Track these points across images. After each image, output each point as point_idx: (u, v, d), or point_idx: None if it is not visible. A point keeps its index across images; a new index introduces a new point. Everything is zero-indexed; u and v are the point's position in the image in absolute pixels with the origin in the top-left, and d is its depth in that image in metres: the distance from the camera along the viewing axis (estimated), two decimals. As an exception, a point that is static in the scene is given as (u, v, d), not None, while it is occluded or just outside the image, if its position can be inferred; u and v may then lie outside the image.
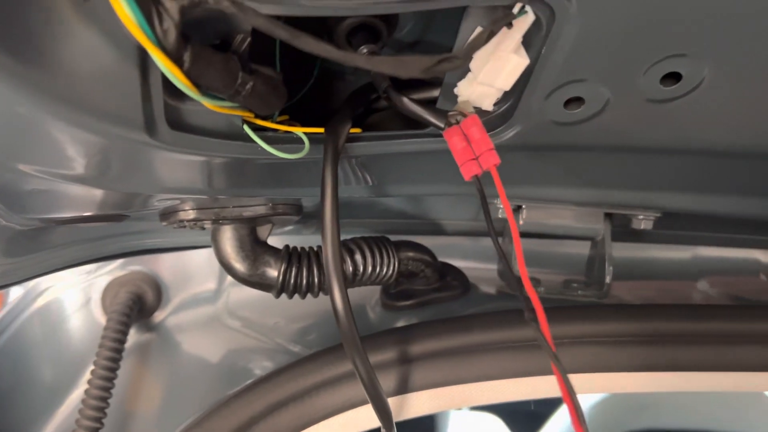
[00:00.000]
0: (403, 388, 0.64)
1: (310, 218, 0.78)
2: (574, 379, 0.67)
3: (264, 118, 0.47)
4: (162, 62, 0.33)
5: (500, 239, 0.76)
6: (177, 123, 0.40)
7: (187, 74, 0.35)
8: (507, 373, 0.64)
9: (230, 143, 0.44)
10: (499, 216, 0.73)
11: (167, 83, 0.37)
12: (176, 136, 0.40)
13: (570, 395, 0.44)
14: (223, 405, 0.62)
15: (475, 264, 0.83)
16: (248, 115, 0.45)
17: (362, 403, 0.63)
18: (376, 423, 0.67)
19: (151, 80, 0.37)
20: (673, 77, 0.48)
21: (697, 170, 0.65)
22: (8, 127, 0.36)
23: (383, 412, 0.56)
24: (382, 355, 0.64)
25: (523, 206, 0.72)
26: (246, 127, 0.44)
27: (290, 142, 0.48)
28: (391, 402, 0.65)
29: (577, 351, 0.67)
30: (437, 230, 0.83)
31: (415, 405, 0.65)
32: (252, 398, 0.62)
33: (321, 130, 0.49)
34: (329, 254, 0.50)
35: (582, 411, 0.45)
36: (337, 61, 0.34)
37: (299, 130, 0.48)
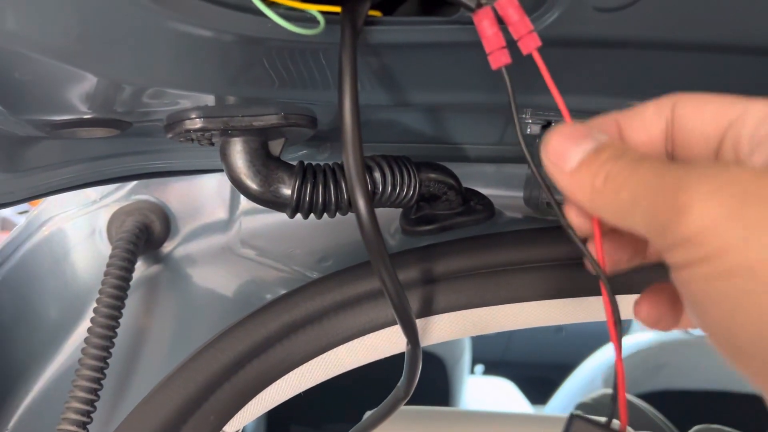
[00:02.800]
0: (426, 310, 0.60)
1: (323, 141, 0.74)
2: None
3: (274, -7, 0.42)
4: None
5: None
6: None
7: None
8: (538, 294, 0.60)
9: (235, 14, 0.39)
10: (528, 132, 0.68)
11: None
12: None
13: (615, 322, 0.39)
14: (236, 325, 0.58)
15: (500, 191, 0.78)
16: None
17: (384, 325, 0.59)
18: (398, 348, 0.63)
19: None
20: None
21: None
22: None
23: (409, 326, 0.52)
24: (403, 274, 0.60)
25: (553, 123, 0.67)
26: (254, -2, 0.40)
27: (304, 21, 0.43)
28: (414, 325, 0.61)
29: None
30: (459, 155, 0.78)
31: (438, 329, 0.61)
32: (267, 319, 0.58)
33: (338, 9, 0.44)
34: (350, 153, 0.46)
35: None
36: None
37: (313, 8, 0.43)
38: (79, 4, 0.35)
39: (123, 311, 0.69)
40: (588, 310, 0.61)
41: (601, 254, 0.39)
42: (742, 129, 0.33)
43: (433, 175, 0.69)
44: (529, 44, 0.42)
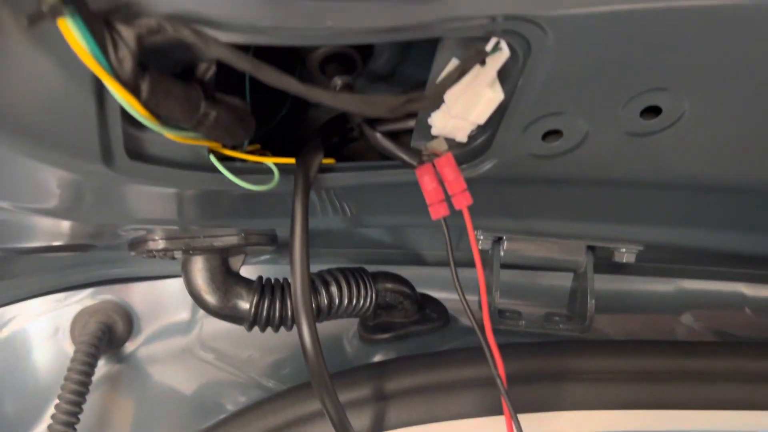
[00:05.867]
0: (377, 426, 0.62)
1: (285, 248, 0.76)
2: (558, 416, 0.66)
3: (232, 148, 0.45)
4: (117, 92, 0.32)
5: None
6: (137, 153, 0.39)
7: (145, 104, 0.33)
8: (485, 410, 0.62)
9: (195, 174, 0.42)
10: (480, 247, 0.72)
11: (125, 111, 0.35)
12: (136, 166, 0.39)
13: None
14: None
15: (456, 295, 0.81)
16: (215, 145, 0.43)
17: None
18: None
19: (107, 108, 0.35)
20: (653, 111, 0.47)
21: (679, 204, 0.64)
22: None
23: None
24: (355, 392, 0.62)
25: (504, 237, 0.71)
26: (212, 157, 0.43)
27: (260, 172, 0.46)
28: (365, 441, 0.63)
29: (560, 387, 0.65)
30: (417, 260, 0.81)
31: (389, 444, 0.62)
32: (219, 438, 0.59)
33: (292, 160, 0.47)
34: (298, 291, 0.48)
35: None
36: (301, 96, 0.33)
37: (269, 161, 0.46)
38: (54, 178, 0.38)
39: (83, 410, 0.70)
40: (537, 425, 0.63)
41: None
42: None
43: (389, 285, 0.72)
44: (461, 201, 0.46)
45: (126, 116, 0.36)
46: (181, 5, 0.32)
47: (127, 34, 0.31)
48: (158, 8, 0.32)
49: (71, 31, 0.29)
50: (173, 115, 0.35)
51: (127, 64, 0.32)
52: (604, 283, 0.84)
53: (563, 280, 0.81)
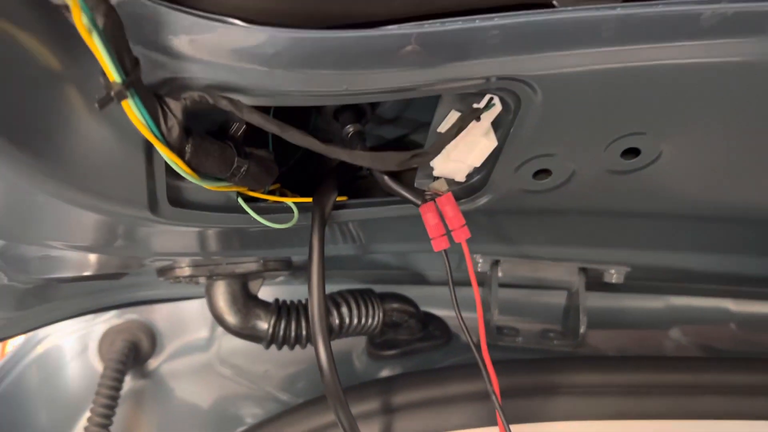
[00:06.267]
0: (386, 436, 0.67)
1: (299, 270, 0.82)
2: (551, 427, 0.71)
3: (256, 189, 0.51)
4: (167, 155, 0.38)
5: (482, 289, 0.81)
6: (177, 200, 0.45)
7: (188, 163, 0.39)
8: (484, 422, 0.68)
9: (226, 215, 0.48)
10: (479, 270, 0.77)
11: (169, 166, 0.41)
12: (176, 212, 0.44)
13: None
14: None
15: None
16: (242, 188, 0.49)
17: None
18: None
19: (155, 165, 0.41)
20: (633, 152, 0.53)
21: (662, 230, 0.69)
22: (28, 210, 0.41)
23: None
24: (365, 406, 0.67)
25: (501, 260, 0.77)
26: (240, 200, 0.49)
27: (281, 211, 0.52)
28: (374, 450, 0.68)
29: (552, 400, 0.70)
30: (420, 280, 0.87)
31: (396, 452, 0.68)
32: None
33: (309, 199, 0.53)
34: (315, 317, 0.54)
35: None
36: (323, 154, 0.38)
37: (289, 200, 0.52)
38: (106, 224, 0.44)
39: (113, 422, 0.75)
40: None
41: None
42: None
43: (395, 305, 0.77)
44: (461, 236, 0.51)
45: (169, 170, 0.42)
46: (219, 77, 0.38)
47: (175, 106, 0.37)
48: (200, 81, 0.37)
49: (131, 108, 0.35)
50: (212, 170, 0.41)
51: (175, 132, 0.37)
52: (596, 300, 0.89)
53: (559, 297, 0.87)
